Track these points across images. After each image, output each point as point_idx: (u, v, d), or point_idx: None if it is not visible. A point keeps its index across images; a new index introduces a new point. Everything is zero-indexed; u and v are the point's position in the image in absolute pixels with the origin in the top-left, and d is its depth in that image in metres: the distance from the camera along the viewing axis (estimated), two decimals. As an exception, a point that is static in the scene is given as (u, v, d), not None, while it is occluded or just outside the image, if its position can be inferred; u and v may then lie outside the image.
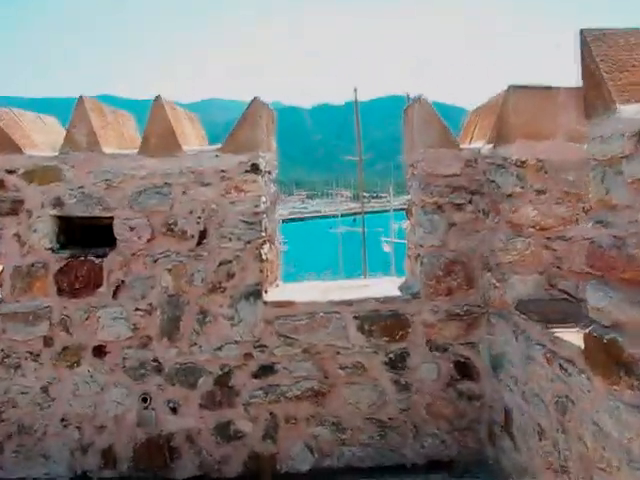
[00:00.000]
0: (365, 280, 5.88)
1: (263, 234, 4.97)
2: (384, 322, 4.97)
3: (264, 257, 4.99)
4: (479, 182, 4.89)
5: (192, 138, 5.51)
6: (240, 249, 4.91)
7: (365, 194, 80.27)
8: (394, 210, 62.68)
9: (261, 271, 4.96)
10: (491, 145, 4.72)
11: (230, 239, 4.90)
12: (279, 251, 5.82)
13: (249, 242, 4.90)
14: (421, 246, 4.99)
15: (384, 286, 5.46)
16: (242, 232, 4.89)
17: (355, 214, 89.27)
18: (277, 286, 5.61)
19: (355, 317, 4.98)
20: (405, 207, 5.86)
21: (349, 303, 4.97)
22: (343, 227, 72.57)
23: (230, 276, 4.93)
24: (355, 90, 65.33)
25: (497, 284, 4.60)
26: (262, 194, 4.95)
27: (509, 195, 4.38)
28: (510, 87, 4.27)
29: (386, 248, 60.12)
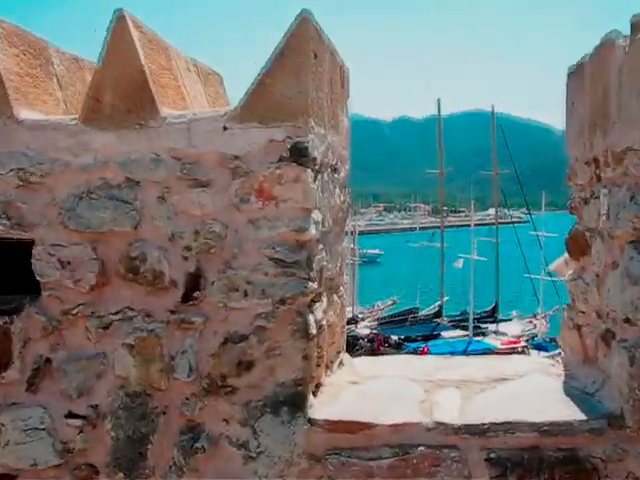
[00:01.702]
0: (495, 361, 3.14)
1: (312, 284, 2.55)
2: (549, 472, 2.47)
3: (313, 329, 2.57)
4: None
5: (199, 105, 3.15)
6: (266, 313, 2.51)
7: (444, 208, 77.51)
8: (475, 225, 59.49)
9: (306, 357, 2.55)
10: None
11: (247, 293, 2.51)
12: (344, 306, 3.39)
13: (284, 301, 2.50)
14: (628, 321, 2.48)
15: (536, 383, 2.96)
16: (271, 280, 2.49)
17: (434, 228, 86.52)
18: (341, 366, 3.21)
19: (489, 459, 2.49)
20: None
21: (476, 431, 2.50)
22: (421, 242, 69.63)
23: (245, 365, 2.54)
24: (438, 100, 62.92)
25: None
26: (313, 205, 2.53)
27: None
28: None
29: (457, 265, 57.10)
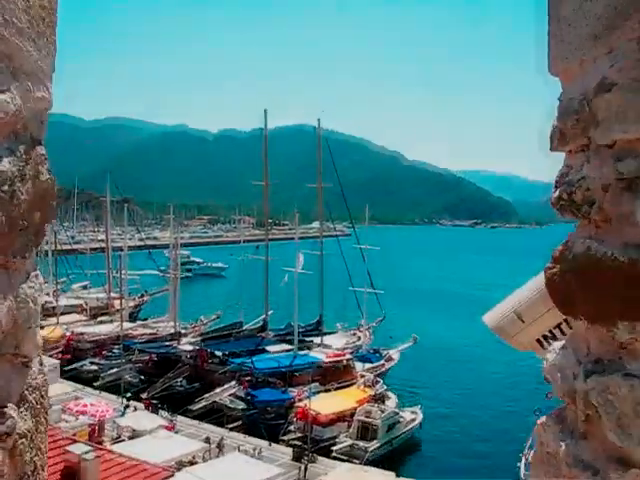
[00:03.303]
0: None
1: None
2: None
3: None
4: None
5: None
6: None
7: (269, 220, 76.50)
8: (299, 238, 58.74)
9: None
10: None
11: None
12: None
13: None
14: None
15: None
16: None
17: (258, 241, 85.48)
18: None
19: None
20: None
21: None
22: (246, 255, 67.94)
23: None
24: (265, 111, 61.75)
25: None
26: None
27: None
28: None
29: (283, 281, 56.11)
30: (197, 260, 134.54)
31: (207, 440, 32.95)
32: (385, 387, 45.15)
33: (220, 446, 32.81)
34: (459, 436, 42.24)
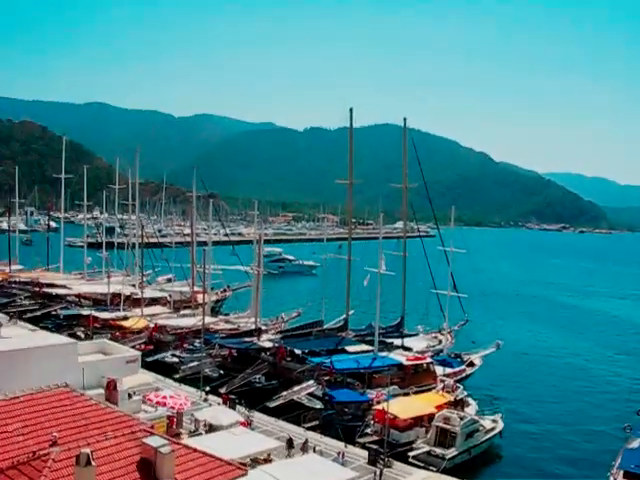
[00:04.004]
0: None
1: None
2: None
3: None
4: None
5: None
6: None
7: (352, 219, 76.05)
8: (383, 238, 57.81)
9: None
10: None
11: None
12: None
13: None
14: None
15: None
16: None
17: (341, 239, 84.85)
18: None
19: None
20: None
21: None
22: (328, 253, 67.69)
23: None
24: (350, 110, 61.14)
25: None
26: None
27: None
28: None
29: (365, 282, 55.29)
30: (289, 257, 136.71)
31: (290, 442, 32.55)
32: (465, 393, 44.00)
33: (305, 448, 32.53)
34: (540, 448, 40.80)
